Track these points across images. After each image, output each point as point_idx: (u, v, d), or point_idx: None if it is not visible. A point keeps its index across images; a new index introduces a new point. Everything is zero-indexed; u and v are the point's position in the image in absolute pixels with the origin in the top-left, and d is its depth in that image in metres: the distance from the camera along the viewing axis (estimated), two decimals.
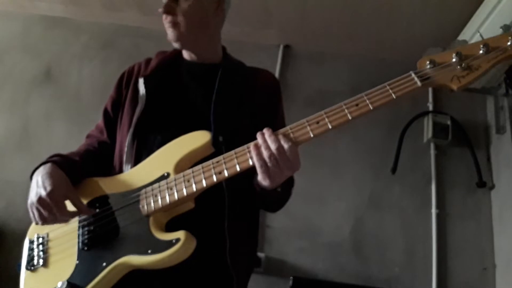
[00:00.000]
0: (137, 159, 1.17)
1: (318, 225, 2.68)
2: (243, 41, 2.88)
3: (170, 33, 1.26)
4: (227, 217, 1.11)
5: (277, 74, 2.98)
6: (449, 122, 2.80)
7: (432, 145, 2.84)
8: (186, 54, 1.33)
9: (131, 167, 1.17)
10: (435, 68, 0.94)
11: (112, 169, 1.23)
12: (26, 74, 3.07)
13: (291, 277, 2.41)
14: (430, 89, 2.87)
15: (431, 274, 2.55)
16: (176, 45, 1.28)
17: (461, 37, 2.64)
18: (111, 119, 1.32)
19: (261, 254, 2.55)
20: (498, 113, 2.77)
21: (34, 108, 2.99)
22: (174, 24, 1.24)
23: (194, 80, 1.29)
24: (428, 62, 0.94)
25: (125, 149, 1.20)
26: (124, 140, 1.22)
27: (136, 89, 1.28)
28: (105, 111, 1.34)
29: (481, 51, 0.92)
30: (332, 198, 2.74)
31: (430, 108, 2.89)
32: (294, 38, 3.07)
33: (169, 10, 1.23)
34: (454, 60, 0.93)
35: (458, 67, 0.92)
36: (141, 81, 1.26)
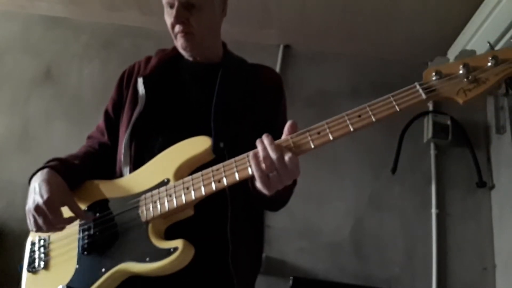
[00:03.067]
0: (136, 161, 1.16)
1: (318, 225, 2.68)
2: (243, 41, 2.87)
3: (183, 42, 1.22)
4: (230, 220, 1.09)
5: None
6: (449, 122, 2.80)
7: (432, 145, 2.84)
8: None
9: (130, 169, 1.16)
10: (441, 80, 0.90)
11: (113, 171, 1.22)
12: (26, 74, 3.07)
13: (291, 277, 2.41)
14: None
15: (431, 274, 2.55)
16: (186, 54, 1.26)
17: (461, 37, 2.64)
18: (112, 121, 1.30)
19: None
20: (498, 113, 2.77)
21: (34, 108, 2.99)
22: (188, 34, 1.20)
23: (195, 80, 1.27)
24: (434, 74, 0.91)
25: (123, 150, 1.18)
26: (122, 141, 1.20)
27: (135, 89, 1.26)
28: (106, 112, 1.32)
29: (489, 64, 0.88)
30: (332, 198, 2.74)
31: (430, 108, 2.88)
32: (294, 38, 3.07)
33: (182, 19, 1.18)
34: (461, 72, 0.89)
35: (465, 79, 0.89)
36: (140, 81, 1.24)
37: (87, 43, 3.16)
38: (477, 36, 2.46)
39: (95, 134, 1.34)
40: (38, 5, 3.13)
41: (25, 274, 1.17)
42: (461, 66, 0.90)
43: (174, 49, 1.32)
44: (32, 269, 1.15)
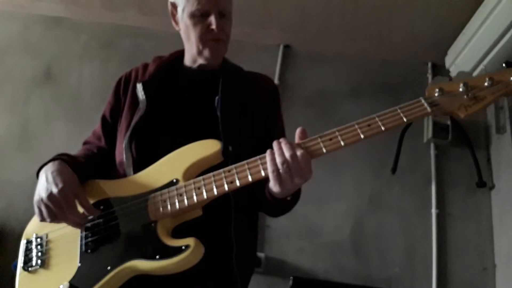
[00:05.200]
0: (139, 162, 1.16)
1: (318, 225, 2.68)
2: (243, 41, 2.87)
3: (215, 49, 1.24)
4: (234, 221, 1.11)
5: (277, 74, 2.98)
6: (449, 122, 2.80)
7: (432, 145, 2.84)
8: (188, 61, 1.32)
9: (133, 170, 1.16)
10: (443, 96, 1.00)
11: (111, 175, 1.22)
12: (26, 74, 3.07)
13: (291, 277, 2.41)
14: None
15: (431, 274, 2.55)
16: (210, 60, 1.26)
17: (461, 37, 2.64)
18: (109, 126, 1.31)
19: (261, 254, 2.55)
20: (498, 113, 2.77)
21: (34, 108, 2.99)
22: (222, 41, 1.24)
23: (194, 86, 1.28)
24: (437, 90, 1.00)
25: (124, 152, 1.19)
26: (122, 144, 1.21)
27: (134, 95, 1.27)
28: (103, 118, 1.33)
29: (486, 84, 0.99)
30: (332, 198, 2.74)
31: None
32: (294, 38, 3.07)
33: (221, 28, 1.22)
34: (461, 89, 1.00)
35: (465, 96, 0.99)
36: (139, 87, 1.25)
37: (87, 43, 3.16)
38: (477, 36, 2.46)
39: (92, 140, 1.35)
40: (38, 5, 3.13)
41: (19, 273, 1.14)
42: (461, 85, 1.00)
43: (172, 55, 1.35)
44: (28, 268, 1.13)
